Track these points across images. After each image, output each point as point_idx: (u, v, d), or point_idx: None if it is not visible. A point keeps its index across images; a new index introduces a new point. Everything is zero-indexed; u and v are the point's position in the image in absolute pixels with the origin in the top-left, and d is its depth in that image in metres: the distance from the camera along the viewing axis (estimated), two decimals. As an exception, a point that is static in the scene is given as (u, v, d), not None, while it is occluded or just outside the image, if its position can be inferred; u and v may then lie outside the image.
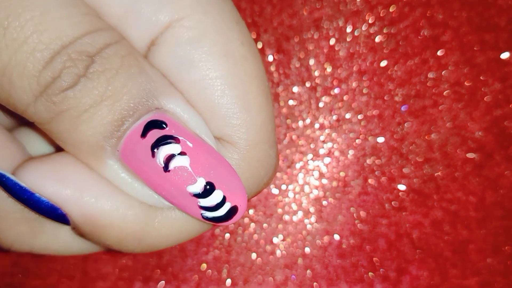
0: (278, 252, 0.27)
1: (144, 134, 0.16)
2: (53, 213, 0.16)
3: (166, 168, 0.16)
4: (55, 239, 0.19)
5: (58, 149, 0.19)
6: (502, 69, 0.26)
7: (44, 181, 0.16)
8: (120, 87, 0.15)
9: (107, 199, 0.16)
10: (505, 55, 0.26)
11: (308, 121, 0.27)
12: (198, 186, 0.16)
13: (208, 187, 0.16)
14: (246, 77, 0.17)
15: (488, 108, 0.26)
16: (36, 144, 0.20)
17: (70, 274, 0.26)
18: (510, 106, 0.26)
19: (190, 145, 0.16)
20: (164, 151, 0.16)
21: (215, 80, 0.17)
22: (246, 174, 0.18)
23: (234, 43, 0.17)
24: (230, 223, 0.17)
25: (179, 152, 0.16)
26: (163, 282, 0.26)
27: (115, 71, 0.15)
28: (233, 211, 0.17)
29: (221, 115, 0.17)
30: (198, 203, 0.16)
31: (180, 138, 0.16)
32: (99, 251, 0.27)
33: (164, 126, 0.16)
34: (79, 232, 0.17)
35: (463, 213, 0.26)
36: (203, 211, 0.17)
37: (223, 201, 0.16)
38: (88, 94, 0.15)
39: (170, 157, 0.16)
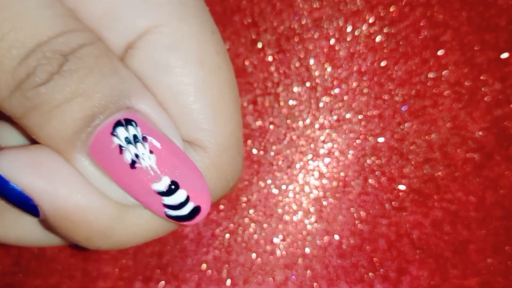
0: (278, 252, 0.27)
1: (113, 132, 0.16)
2: (24, 204, 0.17)
3: (132, 165, 0.16)
4: (14, 229, 0.19)
5: (33, 142, 0.19)
6: (502, 69, 0.26)
7: (20, 170, 0.16)
8: (92, 86, 0.16)
9: (82, 195, 0.17)
10: (505, 55, 0.26)
11: (308, 121, 0.27)
12: (163, 184, 0.16)
13: (172, 186, 0.17)
14: (219, 85, 0.18)
15: (488, 108, 0.26)
16: (5, 136, 0.20)
17: (70, 274, 0.26)
18: (510, 106, 0.26)
19: (158, 144, 0.16)
20: (132, 149, 0.16)
21: (189, 86, 0.17)
22: (215, 178, 0.18)
23: (209, 52, 0.18)
24: (193, 223, 0.18)
25: (146, 150, 0.16)
26: (163, 282, 0.26)
27: (88, 70, 0.16)
28: (196, 211, 0.17)
29: (193, 120, 0.18)
30: (162, 201, 0.17)
31: (148, 137, 0.16)
32: (100, 251, 0.27)
33: (134, 124, 0.16)
34: (48, 225, 0.18)
35: (463, 213, 0.26)
36: (166, 210, 0.17)
37: (187, 200, 0.17)
38: (60, 90, 0.15)
39: (137, 155, 0.16)
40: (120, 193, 0.17)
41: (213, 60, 0.18)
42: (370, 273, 0.26)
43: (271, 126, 0.27)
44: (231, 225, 0.27)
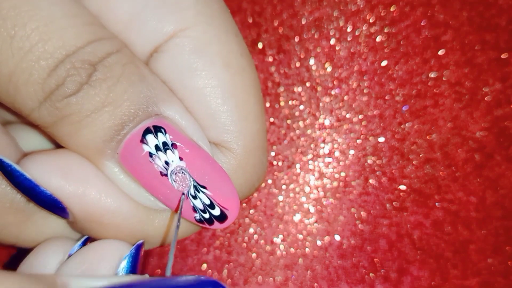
0: (278, 252, 0.27)
1: (143, 139, 0.16)
2: (54, 206, 0.17)
3: (162, 172, 0.16)
4: (42, 232, 0.19)
5: (57, 145, 0.19)
6: (502, 69, 0.26)
7: (50, 174, 0.16)
8: (121, 94, 0.16)
9: (111, 199, 0.17)
10: (505, 55, 0.26)
11: (308, 121, 0.27)
12: (192, 189, 0.17)
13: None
14: (245, 87, 0.18)
15: (488, 108, 0.26)
16: (27, 140, 0.20)
17: (70, 274, 0.26)
18: (511, 106, 0.26)
19: (187, 151, 0.17)
20: (162, 156, 0.16)
21: (216, 89, 0.17)
22: (241, 179, 0.19)
23: (234, 54, 0.18)
24: (221, 227, 0.18)
25: (176, 157, 0.16)
26: (163, 282, 0.26)
27: (116, 78, 0.16)
28: (224, 215, 0.17)
29: (220, 122, 0.18)
30: (192, 206, 0.17)
31: (177, 143, 0.16)
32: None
33: (163, 131, 0.16)
34: (77, 227, 0.18)
35: (463, 213, 0.26)
36: (195, 214, 0.17)
37: (213, 204, 0.17)
38: (90, 100, 0.15)
39: (167, 162, 0.16)
40: (150, 198, 0.17)
41: (238, 62, 0.18)
42: (371, 274, 0.26)
43: (271, 126, 0.27)
44: (231, 225, 0.27)
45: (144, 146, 0.16)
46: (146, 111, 0.16)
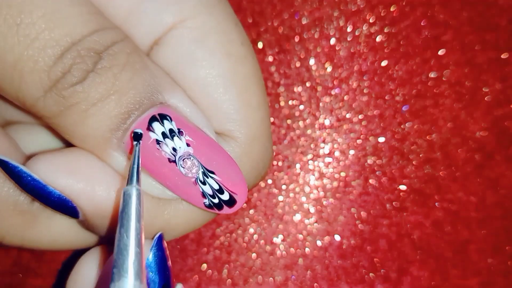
0: (278, 252, 0.27)
1: (149, 127, 0.16)
2: (64, 206, 0.17)
3: (170, 158, 0.16)
4: (47, 233, 0.19)
5: (67, 144, 0.19)
6: (502, 69, 0.26)
7: (57, 173, 0.16)
8: (126, 82, 0.16)
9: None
10: (505, 55, 0.26)
11: (308, 121, 0.27)
12: (201, 175, 0.17)
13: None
14: (246, 75, 0.18)
15: (488, 108, 0.26)
16: (27, 141, 0.20)
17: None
18: (511, 106, 0.26)
19: (193, 137, 0.17)
20: (169, 142, 0.16)
21: (217, 78, 0.17)
22: (247, 167, 0.19)
23: (235, 43, 0.18)
24: (231, 211, 0.18)
25: (183, 143, 0.16)
26: (163, 282, 0.26)
27: (122, 67, 0.16)
28: (233, 199, 0.17)
29: (223, 111, 0.18)
30: (201, 192, 0.17)
31: (183, 131, 0.16)
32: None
33: (169, 119, 0.16)
34: (87, 225, 0.18)
35: (463, 213, 0.26)
36: (205, 200, 0.17)
37: (222, 189, 0.17)
38: (97, 88, 0.15)
39: (175, 148, 0.16)
40: (158, 187, 0.17)
41: (238, 51, 0.18)
42: (370, 274, 0.26)
43: (271, 126, 0.27)
44: (231, 225, 0.27)
45: (151, 133, 0.16)
46: (151, 99, 0.16)
